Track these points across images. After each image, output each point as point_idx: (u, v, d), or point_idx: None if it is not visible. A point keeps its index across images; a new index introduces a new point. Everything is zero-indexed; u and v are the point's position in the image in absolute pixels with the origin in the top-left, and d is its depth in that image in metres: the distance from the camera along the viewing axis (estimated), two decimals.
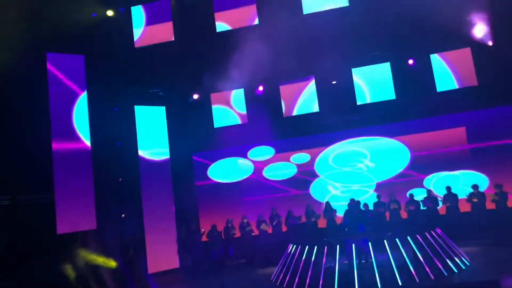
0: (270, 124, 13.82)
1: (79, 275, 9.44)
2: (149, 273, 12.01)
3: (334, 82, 13.64)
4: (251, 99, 13.82)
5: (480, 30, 11.81)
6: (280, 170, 14.39)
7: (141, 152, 12.66)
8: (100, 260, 10.05)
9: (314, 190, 14.05)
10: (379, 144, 13.78)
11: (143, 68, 12.80)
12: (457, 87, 12.39)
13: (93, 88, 11.42)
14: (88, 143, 11.32)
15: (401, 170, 13.51)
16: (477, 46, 12.20)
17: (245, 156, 14.63)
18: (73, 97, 11.36)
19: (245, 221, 12.75)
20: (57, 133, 10.93)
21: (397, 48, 12.80)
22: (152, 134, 13.29)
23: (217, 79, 13.24)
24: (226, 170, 14.69)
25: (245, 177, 14.52)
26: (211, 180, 14.66)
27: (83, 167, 11.26)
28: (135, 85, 12.82)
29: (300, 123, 13.80)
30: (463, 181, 12.81)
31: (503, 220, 10.98)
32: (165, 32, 12.66)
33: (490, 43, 11.96)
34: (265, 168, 14.44)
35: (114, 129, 12.36)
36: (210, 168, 14.76)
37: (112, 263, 10.00)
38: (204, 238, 12.64)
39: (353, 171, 13.89)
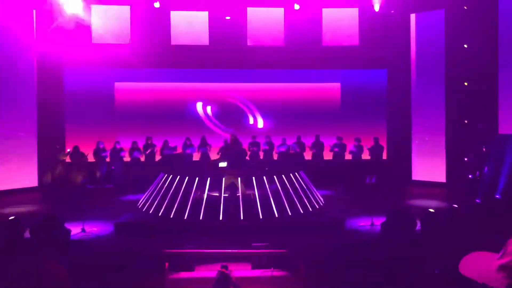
0: (155, 50, 13.12)
1: None
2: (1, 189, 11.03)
3: (227, 18, 13.34)
4: (137, 19, 12.82)
5: None
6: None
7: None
8: None
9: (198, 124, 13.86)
10: (261, 88, 14.09)
11: None
12: (340, 44, 13.13)
13: None
14: None
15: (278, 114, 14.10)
16: (364, 8, 12.91)
17: (124, 79, 13.71)
18: None
19: (117, 146, 12.23)
20: None
21: None
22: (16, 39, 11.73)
23: None
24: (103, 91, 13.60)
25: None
26: (84, 98, 13.42)
27: None
28: None
29: (189, 54, 13.32)
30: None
31: (356, 170, 12.36)
32: None
33: (377, 8, 12.75)
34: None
35: None
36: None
37: None
38: (68, 159, 11.84)
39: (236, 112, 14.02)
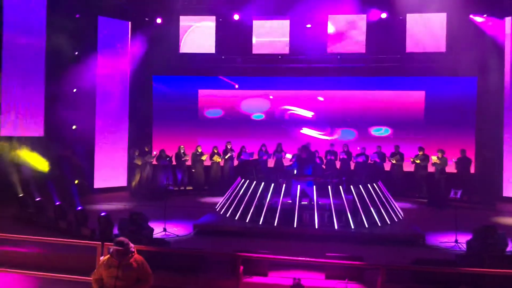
0: (239, 58, 13.57)
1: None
2: (95, 187, 12.07)
3: (308, 26, 13.37)
4: (222, 29, 13.33)
5: None
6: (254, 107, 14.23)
7: (100, 69, 12.26)
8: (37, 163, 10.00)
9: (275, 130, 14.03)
10: (341, 95, 13.89)
11: None
12: (425, 50, 12.54)
13: None
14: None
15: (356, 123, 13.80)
16: (453, 14, 12.20)
17: (207, 87, 14.31)
18: None
19: (199, 150, 12.76)
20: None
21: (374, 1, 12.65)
22: (113, 50, 12.77)
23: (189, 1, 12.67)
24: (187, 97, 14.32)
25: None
26: (170, 104, 14.22)
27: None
28: None
29: (269, 62, 13.58)
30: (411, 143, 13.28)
31: (438, 182, 11.69)
32: None
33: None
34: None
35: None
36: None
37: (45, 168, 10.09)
38: (154, 161, 12.61)
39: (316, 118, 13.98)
